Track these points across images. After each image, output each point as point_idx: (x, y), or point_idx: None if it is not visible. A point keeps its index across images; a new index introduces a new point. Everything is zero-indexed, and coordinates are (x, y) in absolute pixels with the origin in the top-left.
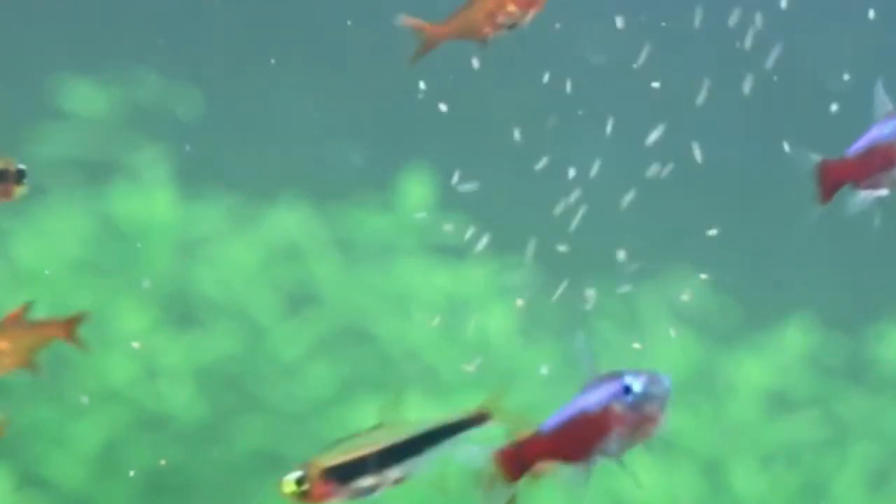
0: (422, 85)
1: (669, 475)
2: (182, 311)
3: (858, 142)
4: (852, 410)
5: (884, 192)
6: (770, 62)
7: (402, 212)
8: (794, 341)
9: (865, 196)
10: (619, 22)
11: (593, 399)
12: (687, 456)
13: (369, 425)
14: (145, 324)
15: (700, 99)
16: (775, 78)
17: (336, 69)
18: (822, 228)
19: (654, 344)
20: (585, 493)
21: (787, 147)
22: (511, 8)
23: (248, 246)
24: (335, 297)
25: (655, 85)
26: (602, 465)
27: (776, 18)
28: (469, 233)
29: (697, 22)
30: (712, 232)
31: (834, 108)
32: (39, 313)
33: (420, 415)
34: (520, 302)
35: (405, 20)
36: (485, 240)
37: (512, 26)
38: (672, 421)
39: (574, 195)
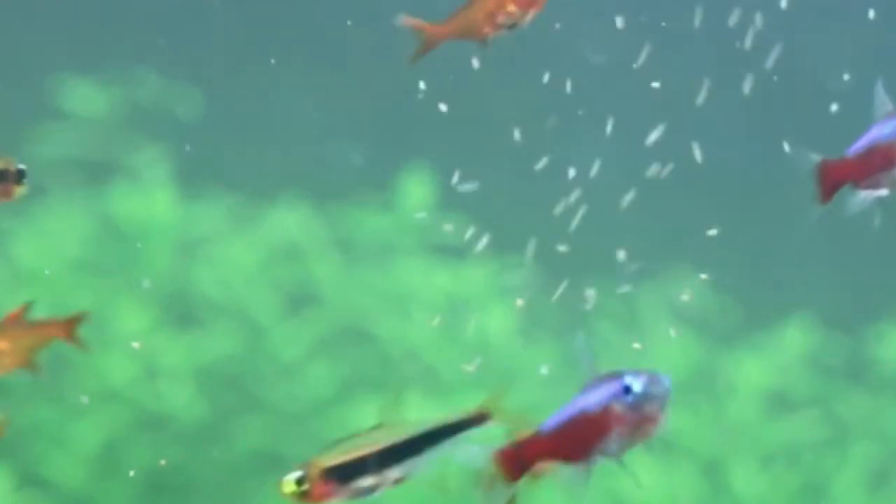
0: (422, 85)
1: (669, 475)
2: (182, 311)
3: (858, 142)
4: (852, 410)
5: (884, 192)
6: (770, 62)
7: (402, 212)
8: (794, 341)
9: (865, 196)
10: (619, 22)
11: (593, 399)
12: (687, 456)
13: (369, 425)
14: (145, 324)
15: (700, 99)
16: (775, 78)
17: (336, 69)
18: (822, 228)
19: (654, 344)
20: (585, 494)
21: (787, 147)
22: (511, 8)
23: (248, 246)
24: (335, 297)
25: (655, 85)
26: (602, 465)
27: (776, 18)
28: (469, 233)
29: (697, 22)
30: (712, 232)
31: (834, 108)
32: (39, 313)
33: (420, 415)
34: (520, 302)
35: (405, 20)
36: (485, 240)
37: (512, 26)
38: (672, 421)
39: (574, 195)
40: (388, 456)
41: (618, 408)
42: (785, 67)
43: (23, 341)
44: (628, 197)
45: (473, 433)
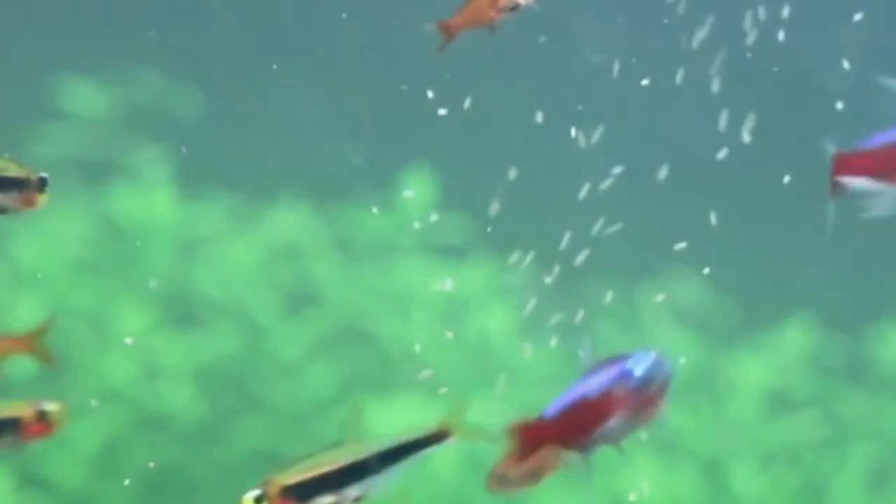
0: (430, 94)
1: (669, 475)
2: (182, 311)
3: (877, 136)
4: (852, 410)
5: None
6: (773, 61)
7: (402, 212)
8: (794, 341)
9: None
10: (620, 22)
11: (595, 384)
12: (687, 456)
13: (350, 432)
14: (145, 324)
15: (701, 98)
16: (776, 74)
17: (336, 69)
18: (821, 228)
19: (654, 344)
20: (587, 483)
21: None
22: None
23: (248, 246)
24: (335, 297)
25: (655, 85)
26: (602, 465)
27: (778, 18)
28: (469, 233)
29: (699, 22)
30: (712, 232)
31: (839, 106)
32: (39, 313)
33: (419, 416)
34: (520, 302)
35: (432, 25)
36: (485, 240)
37: (514, 8)
38: (672, 421)
39: (574, 195)
40: (347, 474)
41: (619, 391)
42: (787, 66)
43: None
44: (628, 197)
45: (433, 451)
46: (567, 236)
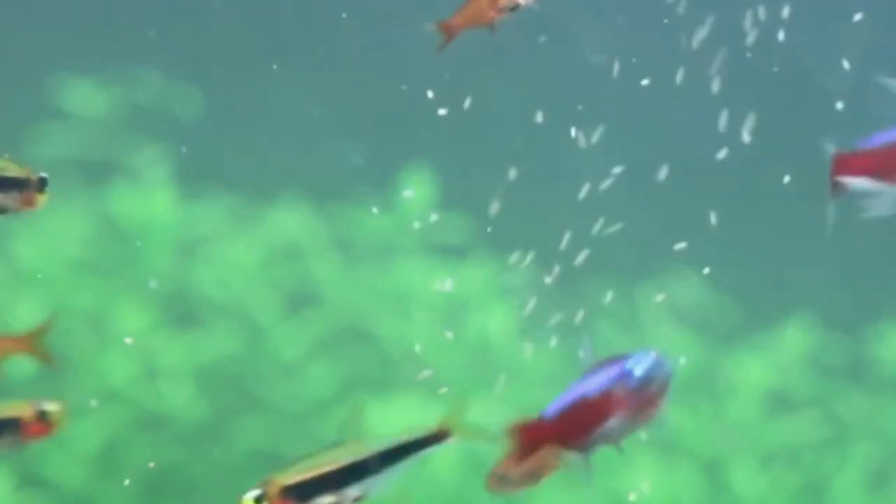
0: (430, 94)
1: (669, 475)
2: (182, 311)
3: (877, 136)
4: (852, 410)
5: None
6: (773, 61)
7: (402, 212)
8: (794, 341)
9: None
10: (620, 22)
11: (595, 383)
12: (687, 456)
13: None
14: (145, 324)
15: (701, 98)
16: (776, 74)
17: (336, 69)
18: (821, 228)
19: (654, 344)
20: (587, 482)
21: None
22: None
23: (248, 246)
24: (335, 297)
25: (655, 85)
26: (601, 465)
27: (778, 18)
28: (469, 233)
29: (699, 22)
30: (712, 232)
31: (839, 106)
32: (39, 313)
33: (419, 416)
34: (520, 302)
35: (432, 25)
36: (485, 240)
37: (514, 8)
38: (672, 421)
39: (574, 195)
40: (347, 474)
41: (619, 391)
42: (787, 66)
43: None
44: (628, 197)
45: (434, 450)
46: (567, 236)
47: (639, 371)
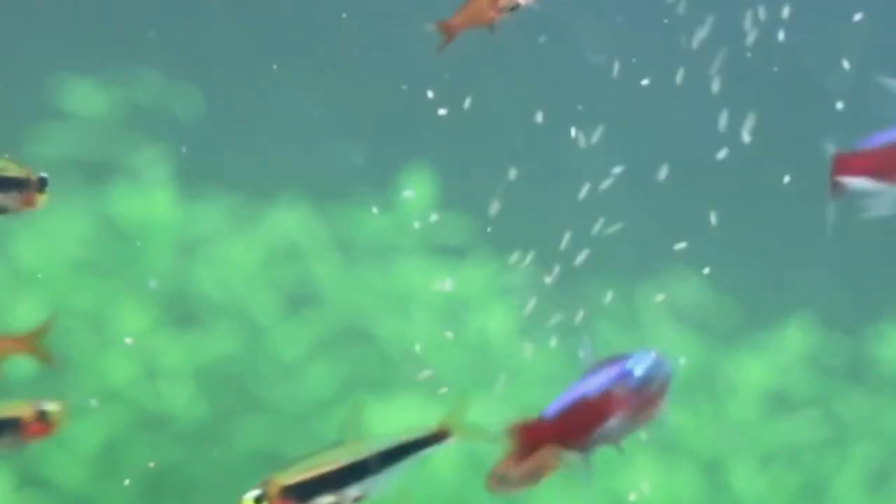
0: (430, 94)
1: (669, 475)
2: (182, 311)
3: (877, 136)
4: (852, 410)
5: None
6: (773, 61)
7: (402, 212)
8: (794, 341)
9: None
10: (620, 22)
11: (595, 383)
12: (687, 456)
13: (350, 432)
14: (145, 324)
15: (701, 98)
16: (776, 74)
17: (336, 69)
18: (821, 228)
19: (654, 344)
20: (587, 483)
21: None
22: None
23: (248, 246)
24: (335, 297)
25: (655, 85)
26: (601, 465)
27: (778, 18)
28: (469, 233)
29: (699, 22)
30: (712, 232)
31: (839, 106)
32: (40, 313)
33: (419, 416)
34: (520, 302)
35: (432, 25)
36: (485, 240)
37: (514, 8)
38: (672, 421)
39: (574, 195)
40: (347, 474)
41: (619, 391)
42: (787, 66)
43: None
44: (628, 197)
45: (434, 450)
46: (567, 236)
47: (639, 371)
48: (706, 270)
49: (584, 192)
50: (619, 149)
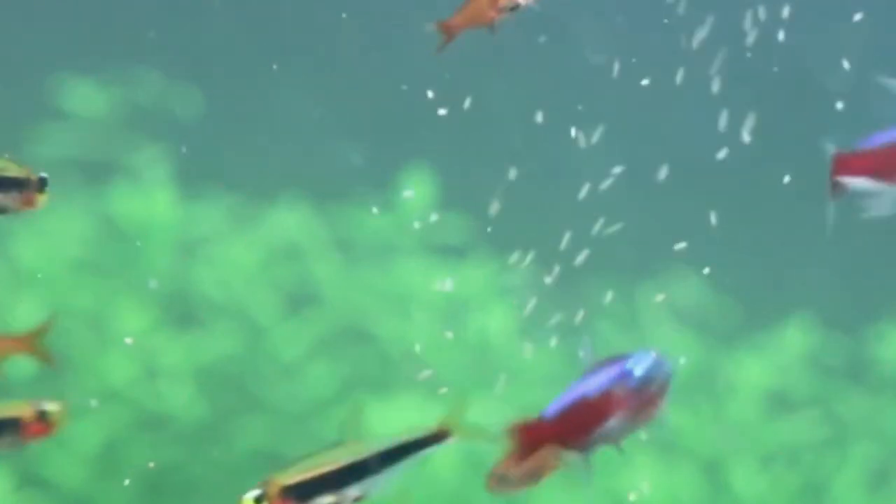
0: (430, 94)
1: (669, 475)
2: (182, 311)
3: (877, 136)
4: (852, 410)
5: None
6: (773, 61)
7: (402, 212)
8: (794, 341)
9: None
10: (620, 22)
11: (595, 383)
12: (687, 456)
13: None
14: (145, 324)
15: (701, 98)
16: (776, 74)
17: (336, 69)
18: (821, 228)
19: (654, 344)
20: (587, 483)
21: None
22: None
23: (248, 246)
24: (335, 297)
25: (655, 85)
26: (601, 465)
27: (778, 18)
28: (469, 233)
29: (699, 22)
30: (712, 232)
31: (839, 106)
32: (40, 313)
33: (419, 416)
34: (520, 302)
35: (432, 25)
36: (485, 240)
37: (514, 8)
38: (672, 421)
39: (574, 195)
40: (347, 474)
41: (619, 391)
42: (787, 66)
43: None
44: (628, 197)
45: (434, 450)
46: (567, 236)
47: (639, 371)
48: (706, 270)
49: (584, 192)
50: (619, 149)
